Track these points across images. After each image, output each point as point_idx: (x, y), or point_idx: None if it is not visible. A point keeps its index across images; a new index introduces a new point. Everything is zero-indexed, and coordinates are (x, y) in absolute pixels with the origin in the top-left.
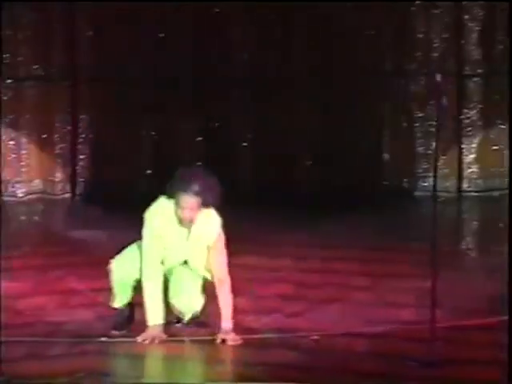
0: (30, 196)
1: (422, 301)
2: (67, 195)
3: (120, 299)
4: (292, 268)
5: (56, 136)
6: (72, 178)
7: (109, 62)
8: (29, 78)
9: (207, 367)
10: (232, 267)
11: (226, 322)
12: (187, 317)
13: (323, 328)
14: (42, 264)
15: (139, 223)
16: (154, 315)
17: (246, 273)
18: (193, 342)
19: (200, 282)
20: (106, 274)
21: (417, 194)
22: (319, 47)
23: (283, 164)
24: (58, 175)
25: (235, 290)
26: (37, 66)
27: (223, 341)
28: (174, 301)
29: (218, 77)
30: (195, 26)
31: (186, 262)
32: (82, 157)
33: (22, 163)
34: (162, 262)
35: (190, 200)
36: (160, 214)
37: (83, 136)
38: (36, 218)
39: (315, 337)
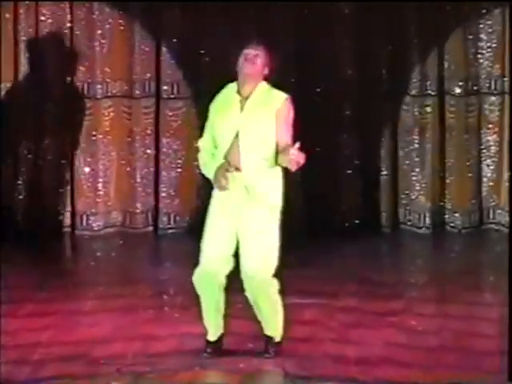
0: (108, 229)
1: None
2: (149, 228)
3: (213, 329)
4: (401, 310)
5: (137, 162)
6: (154, 210)
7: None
8: (106, 96)
9: None
10: (330, 310)
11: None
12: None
13: (437, 379)
14: (121, 306)
15: None
16: (212, 166)
17: (347, 317)
18: None
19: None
20: (191, 318)
21: None
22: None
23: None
24: (139, 206)
25: (337, 336)
26: (115, 84)
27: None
28: (247, 266)
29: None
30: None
31: (237, 136)
32: (165, 185)
33: (99, 193)
34: (216, 142)
35: (251, 51)
36: (222, 95)
37: (167, 162)
38: (114, 253)
39: None
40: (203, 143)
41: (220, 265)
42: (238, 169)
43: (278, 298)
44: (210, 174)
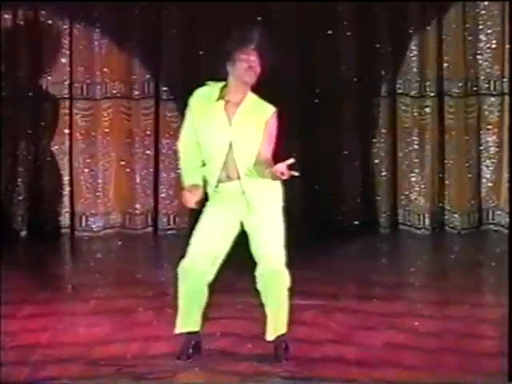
0: (107, 230)
1: None
2: (149, 229)
3: (186, 321)
4: (401, 312)
5: (136, 163)
6: (154, 211)
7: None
8: (106, 97)
9: None
10: (330, 311)
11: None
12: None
13: (437, 380)
14: (120, 307)
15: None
16: (189, 175)
17: (347, 317)
18: None
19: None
20: None
21: None
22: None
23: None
24: (139, 207)
25: (337, 337)
26: (115, 84)
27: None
28: (257, 253)
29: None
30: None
31: (230, 146)
32: (164, 186)
33: (98, 194)
34: (204, 153)
35: (252, 58)
36: (203, 96)
37: (167, 163)
38: (113, 255)
39: None
40: (185, 148)
41: (203, 263)
42: (230, 178)
43: (286, 295)
44: (184, 183)
